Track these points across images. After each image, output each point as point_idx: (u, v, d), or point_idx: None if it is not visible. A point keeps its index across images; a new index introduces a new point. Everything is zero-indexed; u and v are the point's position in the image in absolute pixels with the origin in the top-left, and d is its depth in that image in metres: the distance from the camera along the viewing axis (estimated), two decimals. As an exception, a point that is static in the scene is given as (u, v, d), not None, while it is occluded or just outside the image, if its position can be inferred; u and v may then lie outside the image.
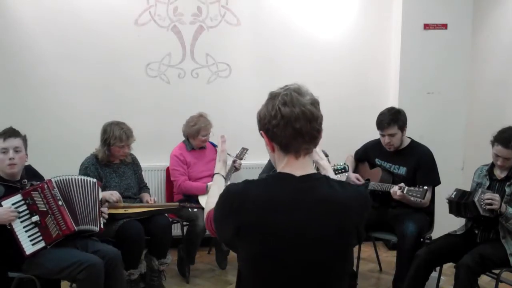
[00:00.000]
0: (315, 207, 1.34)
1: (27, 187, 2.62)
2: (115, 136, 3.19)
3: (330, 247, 1.34)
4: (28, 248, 2.52)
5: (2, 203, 2.50)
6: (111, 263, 2.69)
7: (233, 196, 1.38)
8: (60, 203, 2.63)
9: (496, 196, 2.65)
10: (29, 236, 2.53)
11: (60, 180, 2.73)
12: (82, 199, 2.77)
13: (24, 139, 2.70)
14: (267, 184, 1.40)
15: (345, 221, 1.36)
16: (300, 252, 1.33)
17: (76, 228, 2.65)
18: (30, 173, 2.81)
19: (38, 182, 2.66)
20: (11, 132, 2.64)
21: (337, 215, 1.35)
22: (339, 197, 1.37)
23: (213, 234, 1.52)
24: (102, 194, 2.91)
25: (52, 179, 2.67)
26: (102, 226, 2.83)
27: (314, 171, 1.43)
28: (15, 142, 2.62)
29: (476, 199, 2.68)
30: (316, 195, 1.36)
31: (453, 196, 2.86)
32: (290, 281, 1.34)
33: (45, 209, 2.57)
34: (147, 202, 3.38)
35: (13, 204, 2.52)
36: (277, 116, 1.35)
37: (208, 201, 1.59)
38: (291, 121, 1.34)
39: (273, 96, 1.40)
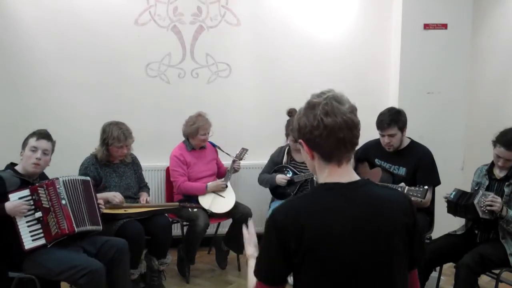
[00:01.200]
0: (368, 209, 1.35)
1: (36, 184, 2.66)
2: (114, 137, 3.19)
3: (391, 250, 1.34)
4: (28, 243, 2.54)
5: (10, 196, 2.54)
6: (119, 254, 2.76)
7: (285, 213, 1.35)
8: (63, 202, 2.65)
9: (498, 199, 2.64)
10: (30, 232, 2.55)
11: (68, 180, 2.74)
12: (86, 200, 2.79)
13: (54, 145, 2.79)
14: (315, 194, 1.42)
15: (397, 222, 1.37)
16: (362, 255, 1.32)
17: (76, 230, 2.65)
18: (43, 178, 2.85)
19: (47, 180, 2.70)
20: (45, 134, 2.73)
21: (390, 215, 1.36)
22: (388, 198, 1.40)
23: None
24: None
25: (59, 178, 2.70)
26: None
27: (357, 176, 1.43)
28: (46, 145, 2.71)
29: (476, 201, 2.68)
30: (366, 197, 1.37)
31: (451, 196, 2.86)
32: (357, 284, 1.33)
33: (48, 206, 2.60)
34: (141, 201, 3.38)
35: (20, 198, 2.55)
36: (320, 126, 1.34)
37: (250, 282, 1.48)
38: (334, 131, 1.34)
39: (312, 106, 1.38)
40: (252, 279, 1.43)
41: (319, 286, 1.33)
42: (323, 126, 1.34)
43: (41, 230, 2.58)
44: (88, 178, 2.91)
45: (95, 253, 2.74)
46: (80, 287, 2.52)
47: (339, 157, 1.39)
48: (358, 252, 1.32)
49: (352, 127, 1.37)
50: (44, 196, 2.60)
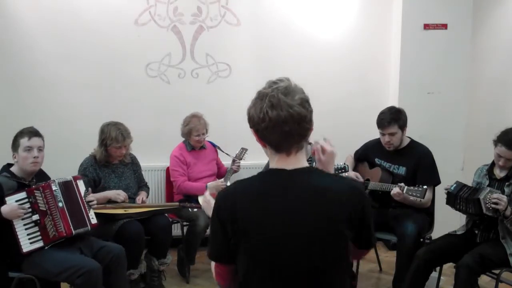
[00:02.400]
0: (305, 195, 1.37)
1: (32, 186, 2.64)
2: (112, 137, 3.19)
3: (321, 235, 1.35)
4: (26, 246, 2.53)
5: (7, 199, 2.53)
6: (116, 259, 2.72)
7: (226, 196, 1.42)
8: (60, 204, 2.64)
9: (504, 198, 2.63)
10: (28, 234, 2.55)
11: (63, 182, 2.73)
12: (76, 201, 2.75)
13: (43, 140, 2.77)
14: (258, 178, 1.44)
15: (335, 210, 1.36)
16: (292, 239, 1.35)
17: (74, 232, 2.64)
18: (41, 174, 2.84)
19: (43, 182, 2.68)
20: (35, 132, 2.72)
21: (328, 204, 1.36)
22: (330, 187, 1.39)
23: (221, 279, 1.48)
24: (83, 185, 2.85)
25: (55, 180, 2.69)
26: (92, 222, 2.77)
27: (306, 163, 1.44)
28: (39, 141, 2.70)
29: (482, 197, 2.67)
30: (307, 184, 1.39)
31: (452, 188, 2.87)
32: (284, 269, 1.36)
33: (45, 209, 2.59)
34: (137, 201, 3.37)
35: (17, 201, 2.54)
36: (265, 119, 1.36)
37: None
38: (279, 124, 1.35)
39: (260, 96, 1.40)
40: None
41: (250, 268, 1.38)
42: (268, 119, 1.35)
43: (38, 233, 2.57)
44: (70, 178, 2.81)
45: (93, 256, 2.71)
46: (77, 287, 2.51)
47: (288, 148, 1.40)
48: (284, 236, 1.34)
49: (300, 120, 1.36)
50: (41, 199, 2.59)
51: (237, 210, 1.36)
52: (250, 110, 1.42)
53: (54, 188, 2.65)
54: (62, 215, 2.63)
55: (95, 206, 2.86)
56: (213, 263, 1.49)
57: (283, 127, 1.35)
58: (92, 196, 2.87)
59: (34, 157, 2.65)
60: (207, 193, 1.76)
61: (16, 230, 2.52)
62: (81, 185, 2.83)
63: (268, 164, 4.04)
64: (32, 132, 2.70)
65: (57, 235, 2.59)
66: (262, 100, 1.37)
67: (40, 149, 2.70)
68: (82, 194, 2.80)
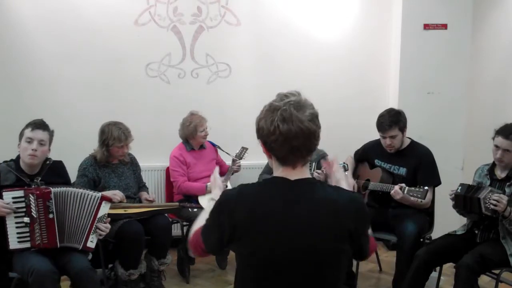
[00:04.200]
0: (306, 206, 1.37)
1: (32, 186, 2.59)
2: (114, 137, 3.19)
3: (320, 245, 1.36)
4: (13, 243, 2.50)
5: (4, 194, 2.48)
6: (75, 276, 2.55)
7: (228, 198, 1.43)
8: (51, 216, 2.55)
9: (504, 199, 2.62)
10: (18, 233, 2.50)
11: (60, 192, 2.61)
12: (75, 215, 2.63)
13: (51, 134, 2.69)
14: (261, 185, 1.47)
15: (337, 223, 1.37)
16: (291, 251, 1.35)
17: (59, 245, 2.58)
18: (55, 170, 2.76)
19: (43, 186, 2.59)
20: (40, 124, 2.63)
21: (329, 217, 1.37)
22: (332, 199, 1.40)
23: (198, 252, 1.53)
24: (105, 210, 2.70)
25: (52, 189, 2.58)
26: (88, 245, 2.63)
27: (308, 176, 1.46)
28: (42, 135, 2.61)
29: (482, 197, 2.67)
30: (309, 195, 1.39)
31: (459, 190, 2.85)
32: (281, 279, 1.37)
33: (35, 216, 2.53)
34: (146, 199, 3.38)
35: (13, 198, 2.50)
36: (276, 132, 1.36)
37: (196, 223, 1.58)
38: (289, 138, 1.36)
39: (272, 109, 1.39)
40: (198, 224, 1.54)
41: (246, 275, 1.42)
42: (279, 132, 1.35)
43: (28, 234, 2.52)
44: (99, 195, 2.66)
45: (63, 265, 2.59)
46: (30, 286, 2.43)
47: (294, 162, 1.41)
48: (282, 250, 1.35)
49: (309, 136, 1.37)
50: (34, 205, 2.51)
51: (236, 214, 1.38)
52: (259, 122, 1.42)
53: (49, 197, 2.55)
54: (49, 227, 2.55)
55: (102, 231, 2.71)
56: (193, 232, 1.54)
57: (293, 141, 1.36)
58: (107, 226, 2.70)
59: (32, 150, 2.56)
60: (215, 172, 1.82)
61: (7, 226, 2.48)
62: (104, 208, 2.67)
63: (268, 165, 4.04)
64: (37, 124, 2.62)
65: (41, 245, 2.54)
66: (274, 113, 1.37)
67: (42, 143, 2.60)
68: (99, 215, 2.65)
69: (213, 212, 1.45)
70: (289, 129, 1.34)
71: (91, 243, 2.65)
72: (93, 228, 2.64)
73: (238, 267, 1.46)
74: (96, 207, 2.65)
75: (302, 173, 1.43)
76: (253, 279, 1.40)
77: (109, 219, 2.76)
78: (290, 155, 1.39)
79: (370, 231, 1.53)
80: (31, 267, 2.40)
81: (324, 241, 1.36)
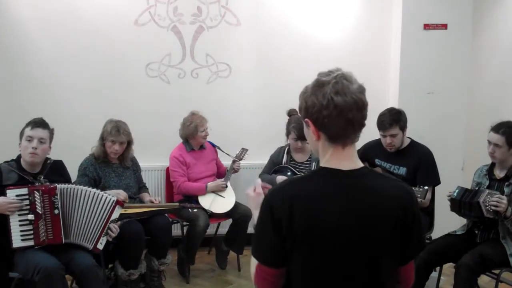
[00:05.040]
0: (364, 199, 1.32)
1: (36, 184, 2.61)
2: (107, 131, 3.21)
3: (381, 242, 1.32)
4: (17, 242, 2.51)
5: (8, 191, 2.50)
6: (81, 274, 2.58)
7: (279, 194, 1.34)
8: (56, 212, 2.58)
9: (504, 199, 2.63)
10: (21, 231, 2.52)
11: (66, 188, 2.65)
12: (87, 215, 2.66)
13: (51, 132, 2.71)
14: (313, 178, 1.38)
15: (393, 214, 1.33)
16: (351, 249, 1.30)
17: (64, 241, 2.60)
18: (56, 169, 2.79)
19: (47, 183, 2.63)
20: (40, 123, 2.65)
21: (385, 208, 1.33)
22: (386, 190, 1.36)
23: (267, 281, 1.36)
24: (117, 214, 2.74)
25: (57, 186, 2.61)
26: (98, 247, 2.67)
27: (360, 163, 1.39)
28: (42, 133, 2.63)
29: (481, 200, 2.67)
30: (364, 187, 1.34)
31: (455, 194, 2.86)
32: (343, 277, 1.32)
33: (40, 212, 2.55)
34: (151, 202, 3.38)
35: (17, 196, 2.51)
36: (330, 105, 1.30)
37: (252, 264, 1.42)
38: (344, 111, 1.30)
39: (321, 84, 1.33)
40: (254, 259, 1.38)
41: (306, 274, 1.32)
42: (333, 105, 1.30)
43: (31, 232, 2.53)
44: (115, 198, 2.71)
45: (67, 263, 2.60)
46: (37, 285, 2.44)
47: (345, 138, 1.35)
48: (343, 243, 1.30)
49: (362, 107, 1.34)
50: (39, 201, 2.54)
51: (294, 210, 1.29)
52: (308, 99, 1.35)
53: (54, 193, 2.58)
54: (55, 223, 2.57)
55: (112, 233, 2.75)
56: (253, 267, 1.38)
57: (347, 114, 1.30)
58: (116, 228, 2.76)
59: (33, 148, 2.59)
60: (258, 186, 1.67)
61: (11, 224, 2.50)
62: (116, 211, 2.72)
63: (268, 165, 4.02)
64: (37, 123, 2.64)
65: (46, 241, 2.56)
66: (324, 87, 1.31)
67: (42, 141, 2.62)
68: (112, 218, 2.69)
69: (263, 214, 1.34)
70: (344, 101, 1.30)
71: (101, 244, 2.69)
72: (105, 230, 2.67)
73: (297, 276, 1.33)
74: (110, 211, 2.68)
75: (352, 156, 1.37)
76: (317, 283, 1.32)
77: (119, 222, 2.80)
78: (344, 130, 1.33)
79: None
80: (38, 265, 2.42)
81: (380, 236, 1.32)
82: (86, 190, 2.69)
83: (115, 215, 2.72)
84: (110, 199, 2.69)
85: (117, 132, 3.20)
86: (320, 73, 1.38)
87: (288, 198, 1.30)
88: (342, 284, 1.32)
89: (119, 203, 2.73)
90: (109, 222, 2.69)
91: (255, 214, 1.53)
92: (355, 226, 1.30)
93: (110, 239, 2.74)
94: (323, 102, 1.31)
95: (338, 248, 1.30)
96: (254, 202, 1.62)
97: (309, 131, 1.39)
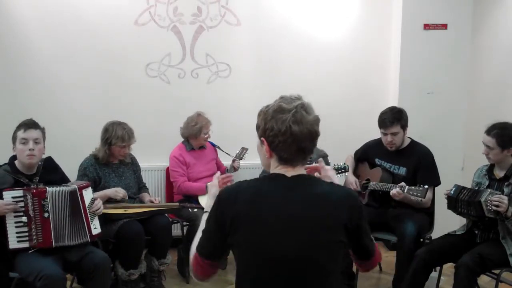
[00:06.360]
0: (303, 199, 1.41)
1: (31, 186, 2.61)
2: (117, 136, 3.19)
3: (316, 240, 1.39)
4: (13, 243, 2.52)
5: (4, 193, 2.51)
6: (94, 268, 2.61)
7: (228, 192, 1.46)
8: (46, 215, 2.57)
9: (505, 199, 2.63)
10: (17, 232, 2.53)
11: (55, 191, 2.63)
12: (73, 213, 2.66)
13: (43, 132, 2.72)
14: (259, 180, 1.50)
15: (332, 217, 1.41)
16: (287, 244, 1.38)
17: (54, 245, 2.58)
18: (49, 166, 2.79)
19: (40, 186, 2.62)
20: (31, 124, 2.66)
21: (324, 211, 1.40)
22: (328, 193, 1.44)
23: (201, 268, 1.50)
24: (90, 196, 2.75)
25: (47, 189, 2.60)
26: (94, 233, 2.70)
27: (305, 172, 1.51)
28: (35, 133, 2.64)
29: (483, 200, 2.67)
30: (305, 189, 1.44)
31: (452, 192, 2.87)
32: (277, 274, 1.39)
33: (32, 215, 2.56)
34: (151, 202, 3.38)
35: (12, 198, 2.52)
36: (287, 133, 1.41)
37: (193, 245, 1.55)
38: (298, 139, 1.42)
39: (280, 110, 1.43)
40: (195, 244, 1.52)
41: (245, 268, 1.43)
42: (290, 133, 1.41)
43: (27, 233, 2.54)
44: (75, 187, 2.69)
45: (78, 261, 2.63)
46: None
47: (296, 162, 1.47)
48: (280, 241, 1.38)
49: (314, 137, 1.46)
50: (30, 203, 2.55)
51: (237, 204, 1.41)
52: (268, 121, 1.46)
53: (44, 197, 2.57)
54: (45, 226, 2.57)
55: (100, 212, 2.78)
56: (192, 255, 1.51)
57: (301, 143, 1.42)
58: (97, 204, 2.77)
59: (30, 150, 2.60)
60: (215, 180, 1.81)
61: (7, 225, 2.51)
62: (87, 194, 2.72)
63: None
64: (28, 124, 2.65)
65: (36, 244, 2.56)
66: (284, 114, 1.42)
67: (37, 141, 2.63)
68: (87, 204, 2.70)
69: (212, 210, 1.47)
70: (300, 131, 1.40)
71: (96, 229, 2.72)
72: (89, 217, 2.69)
73: (238, 267, 1.47)
74: (80, 197, 2.68)
75: (298, 171, 1.48)
76: (252, 274, 1.42)
77: (98, 198, 2.81)
78: (295, 156, 1.45)
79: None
80: (41, 271, 2.42)
81: (318, 234, 1.39)
82: (66, 189, 2.67)
83: (88, 196, 2.72)
84: (70, 188, 2.67)
85: (128, 138, 3.21)
86: (284, 98, 1.48)
87: (233, 198, 1.43)
88: (275, 278, 1.39)
89: (81, 188, 2.70)
90: (86, 208, 2.69)
91: (208, 203, 1.67)
92: (288, 223, 1.39)
93: (100, 213, 2.77)
94: (281, 128, 1.42)
95: (272, 246, 1.38)
96: (209, 191, 1.78)
97: (262, 149, 1.51)
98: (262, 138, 1.49)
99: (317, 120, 1.46)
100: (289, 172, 1.46)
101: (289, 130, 1.40)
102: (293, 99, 1.46)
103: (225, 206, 1.43)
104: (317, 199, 1.42)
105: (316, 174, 1.73)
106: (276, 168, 1.49)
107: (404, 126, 3.23)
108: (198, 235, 1.54)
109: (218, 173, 1.91)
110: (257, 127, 1.53)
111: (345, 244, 1.44)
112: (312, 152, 1.48)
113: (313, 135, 1.44)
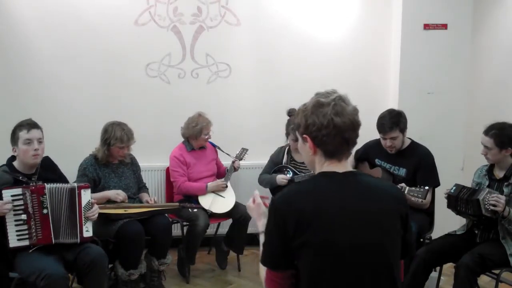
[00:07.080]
0: (361, 194, 1.43)
1: (30, 184, 2.62)
2: (116, 137, 3.19)
3: (384, 229, 1.42)
4: (13, 241, 2.53)
5: (4, 192, 2.52)
6: (90, 263, 2.63)
7: (282, 199, 1.45)
8: (45, 211, 2.60)
9: (502, 199, 2.64)
10: (17, 231, 2.54)
11: (53, 188, 2.65)
12: (68, 211, 2.67)
13: (42, 131, 2.74)
14: (311, 180, 1.50)
15: (391, 207, 1.45)
16: (353, 236, 1.38)
17: (54, 241, 2.61)
18: (47, 165, 2.81)
19: (39, 183, 2.65)
20: (33, 124, 2.69)
21: (383, 202, 1.44)
22: (382, 186, 1.51)
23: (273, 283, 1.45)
24: (90, 196, 2.75)
25: (46, 185, 2.63)
26: (85, 235, 2.70)
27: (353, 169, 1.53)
28: (38, 133, 2.68)
29: (481, 198, 2.67)
30: (360, 184, 1.47)
31: (452, 191, 2.87)
32: (352, 263, 1.38)
33: (31, 212, 2.57)
34: (147, 202, 3.38)
35: (12, 196, 2.54)
36: (330, 126, 1.43)
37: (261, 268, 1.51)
38: (341, 131, 1.43)
39: (320, 105, 1.45)
40: (263, 266, 1.47)
41: (315, 266, 1.38)
42: (333, 126, 1.42)
43: (26, 232, 2.56)
44: (75, 185, 2.71)
45: (74, 259, 2.65)
46: None
47: (341, 155, 1.48)
48: (349, 232, 1.38)
49: (356, 127, 1.47)
50: (29, 200, 2.57)
51: (298, 205, 1.40)
52: (308, 117, 1.46)
53: (43, 193, 2.59)
54: (44, 222, 2.59)
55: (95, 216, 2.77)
56: (263, 272, 1.47)
57: (344, 133, 1.44)
58: (94, 210, 2.75)
59: (35, 150, 2.63)
60: (257, 197, 1.73)
61: (7, 224, 2.52)
62: (85, 195, 2.72)
63: (268, 165, 4.02)
64: (31, 124, 2.67)
65: (36, 241, 2.57)
66: (324, 108, 1.43)
67: (40, 141, 2.67)
68: (83, 204, 2.70)
69: (270, 222, 1.43)
70: (343, 122, 1.42)
71: (87, 232, 2.72)
72: (83, 219, 2.70)
73: (310, 267, 1.39)
74: (76, 198, 2.68)
75: (346, 166, 1.50)
76: (328, 269, 1.38)
77: (94, 201, 2.80)
78: (340, 148, 1.46)
79: None
80: (43, 271, 2.43)
81: (382, 223, 1.42)
82: (65, 186, 2.69)
83: (86, 197, 2.72)
84: (68, 187, 2.68)
85: (127, 139, 3.21)
86: (319, 94, 1.50)
87: (292, 201, 1.41)
88: (352, 271, 1.38)
89: (81, 187, 2.71)
90: (82, 209, 2.69)
91: (259, 224, 1.67)
92: (354, 214, 1.40)
93: (95, 219, 2.76)
94: (323, 122, 1.43)
95: (342, 238, 1.37)
96: (255, 212, 1.72)
97: (305, 146, 1.51)
98: (304, 136, 1.49)
99: (356, 110, 1.47)
100: (339, 168, 1.47)
101: (331, 122, 1.42)
102: (329, 92, 1.48)
103: (285, 210, 1.40)
104: (375, 191, 1.46)
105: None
106: (323, 165, 1.49)
107: (403, 130, 3.22)
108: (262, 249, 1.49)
109: (257, 191, 1.79)
110: (298, 126, 1.53)
111: (401, 235, 1.47)
112: (355, 143, 1.49)
113: (355, 124, 1.46)
